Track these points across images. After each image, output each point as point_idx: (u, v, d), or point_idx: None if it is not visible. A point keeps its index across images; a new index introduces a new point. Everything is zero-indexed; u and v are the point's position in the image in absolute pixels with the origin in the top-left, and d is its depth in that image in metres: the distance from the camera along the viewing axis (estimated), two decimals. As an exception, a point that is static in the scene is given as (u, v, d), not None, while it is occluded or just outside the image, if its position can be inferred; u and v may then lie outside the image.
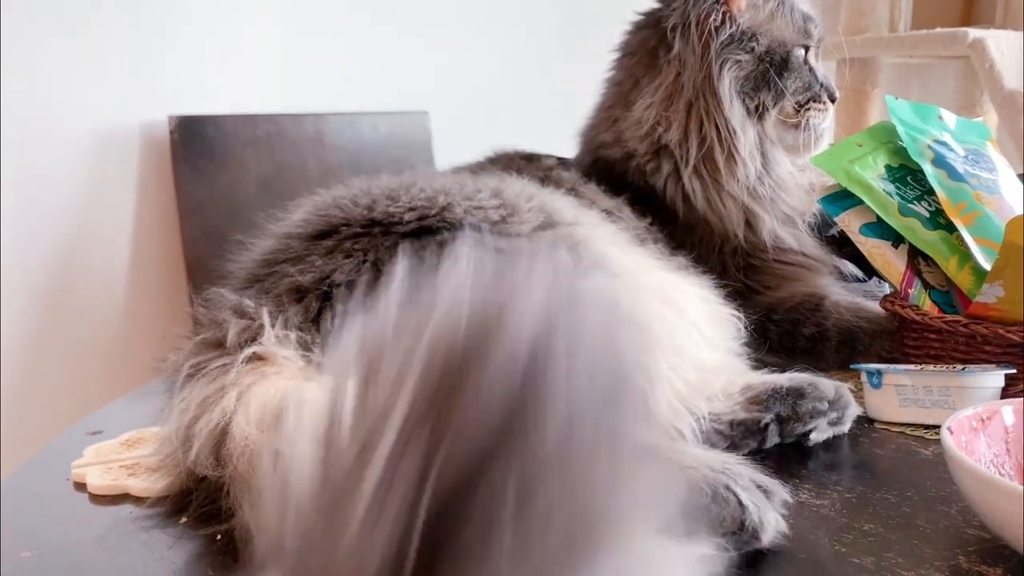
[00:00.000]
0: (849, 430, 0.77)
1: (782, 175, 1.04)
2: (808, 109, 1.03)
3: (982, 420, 0.63)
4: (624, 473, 0.35)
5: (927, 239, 0.91)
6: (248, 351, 0.65)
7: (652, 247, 0.93)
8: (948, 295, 0.91)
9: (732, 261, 1.01)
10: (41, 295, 1.69)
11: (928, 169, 0.93)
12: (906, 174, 0.97)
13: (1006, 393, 0.79)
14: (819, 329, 0.97)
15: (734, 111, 0.99)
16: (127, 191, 1.78)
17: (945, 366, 0.81)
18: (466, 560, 0.32)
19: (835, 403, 0.75)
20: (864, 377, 0.82)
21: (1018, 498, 0.51)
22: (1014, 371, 0.79)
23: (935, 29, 2.12)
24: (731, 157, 1.00)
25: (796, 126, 1.03)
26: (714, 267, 0.98)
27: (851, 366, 0.86)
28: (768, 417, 0.73)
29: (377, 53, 2.05)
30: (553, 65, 2.24)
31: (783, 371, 0.78)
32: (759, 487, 0.59)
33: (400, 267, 0.39)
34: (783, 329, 0.98)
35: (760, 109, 1.01)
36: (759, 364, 0.84)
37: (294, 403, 0.56)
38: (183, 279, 1.78)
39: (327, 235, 0.76)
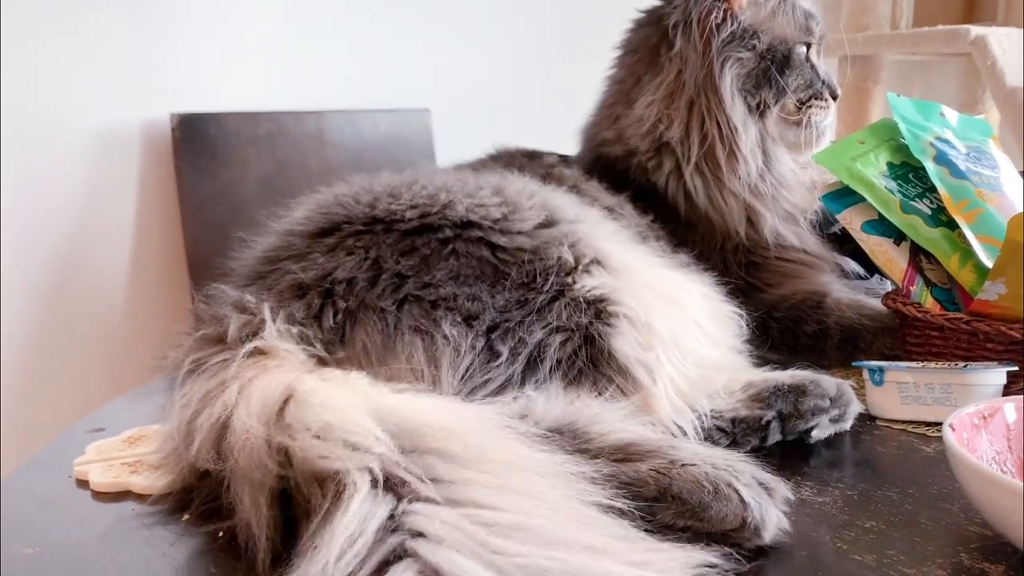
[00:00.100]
0: (851, 427, 0.77)
1: (784, 172, 1.04)
2: (810, 106, 1.03)
3: (984, 417, 0.63)
4: None
5: (929, 236, 0.91)
6: (249, 345, 0.65)
7: (653, 244, 0.93)
8: (950, 292, 0.90)
9: (734, 258, 1.01)
10: (42, 294, 1.69)
11: (930, 166, 0.93)
12: (908, 171, 0.97)
13: (1008, 390, 0.79)
14: (821, 326, 0.97)
15: (735, 108, 0.99)
16: (129, 189, 1.78)
17: (947, 363, 0.81)
18: None
19: (837, 400, 0.75)
20: (866, 374, 0.82)
21: (1020, 495, 0.51)
22: (1016, 368, 0.79)
23: (937, 26, 2.12)
24: (732, 154, 1.00)
25: (798, 123, 1.03)
26: (716, 264, 0.98)
27: (853, 363, 0.86)
28: (770, 414, 0.73)
29: (378, 51, 2.05)
30: (554, 63, 2.24)
31: (785, 368, 0.79)
32: (761, 484, 0.59)
33: None
34: (785, 326, 0.98)
35: (762, 106, 1.01)
36: (761, 361, 0.84)
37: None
38: (185, 277, 1.78)
39: (329, 232, 0.76)
